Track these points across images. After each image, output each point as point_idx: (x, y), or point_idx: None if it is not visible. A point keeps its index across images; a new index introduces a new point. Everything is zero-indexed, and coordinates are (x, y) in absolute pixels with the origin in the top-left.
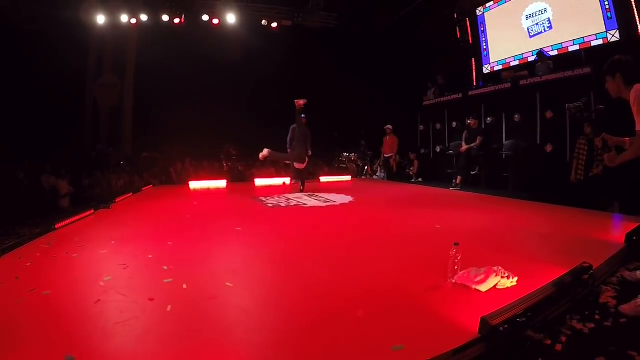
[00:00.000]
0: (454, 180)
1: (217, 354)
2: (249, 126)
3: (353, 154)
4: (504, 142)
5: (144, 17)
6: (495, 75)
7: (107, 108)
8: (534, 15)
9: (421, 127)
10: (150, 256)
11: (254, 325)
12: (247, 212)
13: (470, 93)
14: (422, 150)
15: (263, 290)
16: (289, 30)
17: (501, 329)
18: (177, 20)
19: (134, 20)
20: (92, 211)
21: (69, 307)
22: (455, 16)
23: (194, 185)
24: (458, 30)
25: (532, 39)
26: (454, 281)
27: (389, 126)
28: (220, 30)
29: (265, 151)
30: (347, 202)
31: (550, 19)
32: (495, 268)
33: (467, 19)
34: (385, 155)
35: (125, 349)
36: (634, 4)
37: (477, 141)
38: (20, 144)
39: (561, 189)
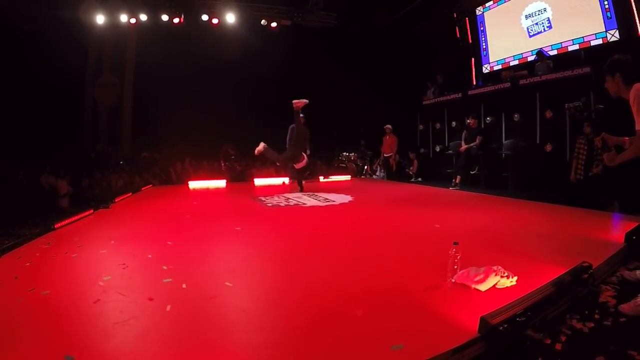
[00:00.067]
0: (453, 180)
1: (216, 354)
2: (249, 126)
3: (352, 154)
4: (504, 141)
5: (143, 17)
6: (494, 75)
7: (106, 108)
8: (534, 15)
9: (421, 127)
10: (149, 256)
11: (253, 325)
12: (247, 212)
13: (469, 92)
14: (422, 150)
15: (262, 290)
16: (289, 30)
17: (501, 328)
18: (176, 20)
19: (133, 20)
20: (92, 211)
21: (69, 307)
22: (455, 16)
23: (194, 185)
24: (457, 30)
25: (532, 38)
26: (453, 280)
27: (389, 126)
28: (219, 30)
29: (261, 145)
30: (346, 201)
31: (550, 18)
32: (495, 267)
33: (467, 18)
34: (385, 155)
35: (125, 348)
36: (633, 4)
37: (477, 141)
38: (20, 144)
39: (561, 188)
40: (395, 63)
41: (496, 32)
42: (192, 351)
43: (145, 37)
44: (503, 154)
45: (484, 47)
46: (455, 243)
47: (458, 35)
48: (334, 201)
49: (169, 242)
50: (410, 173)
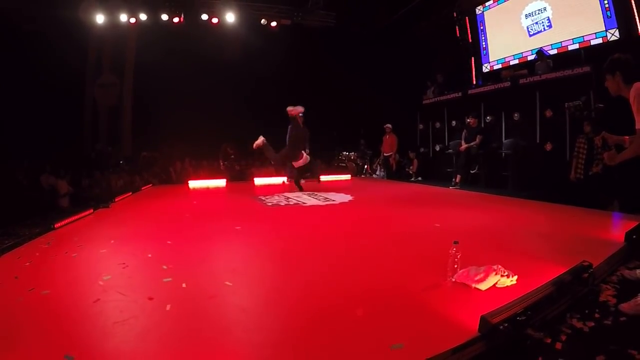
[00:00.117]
0: (453, 179)
1: (216, 354)
2: (249, 125)
3: (352, 153)
4: (504, 140)
5: (143, 17)
6: (494, 74)
7: (106, 108)
8: (534, 14)
9: (420, 126)
10: (149, 255)
11: (253, 324)
12: (247, 211)
13: (469, 92)
14: (422, 149)
15: (262, 290)
16: (288, 29)
17: (501, 327)
18: (176, 20)
19: (133, 20)
20: (92, 211)
21: (68, 307)
22: (455, 15)
23: (194, 184)
24: (457, 29)
25: (532, 37)
26: (453, 280)
27: (389, 125)
28: (219, 30)
29: (260, 140)
30: (346, 200)
31: (550, 17)
32: (495, 267)
33: (467, 17)
34: (385, 154)
35: (125, 348)
36: (633, 3)
37: (477, 140)
38: (20, 143)
39: (561, 187)
40: (395, 62)
41: (496, 32)
42: (192, 350)
43: (145, 36)
44: (503, 153)
45: (484, 46)
46: (455, 242)
47: (458, 35)
48: (334, 200)
49: (169, 242)
50: (410, 172)
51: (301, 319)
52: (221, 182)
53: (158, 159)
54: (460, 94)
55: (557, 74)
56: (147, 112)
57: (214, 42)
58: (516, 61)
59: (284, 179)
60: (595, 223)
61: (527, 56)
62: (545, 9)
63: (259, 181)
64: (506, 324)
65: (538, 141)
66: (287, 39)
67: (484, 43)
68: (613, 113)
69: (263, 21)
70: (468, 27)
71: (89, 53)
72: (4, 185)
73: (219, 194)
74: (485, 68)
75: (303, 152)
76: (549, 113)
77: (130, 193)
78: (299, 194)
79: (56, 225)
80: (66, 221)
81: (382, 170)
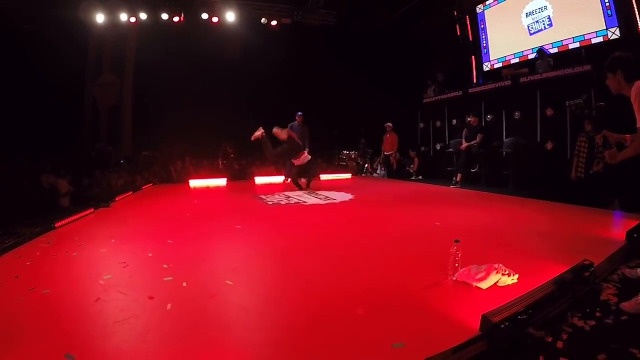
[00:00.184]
0: (454, 178)
1: (216, 353)
2: (249, 124)
3: (353, 152)
4: (504, 139)
5: (143, 16)
6: (495, 73)
7: (106, 107)
8: (534, 13)
9: (421, 125)
10: (150, 254)
11: (253, 323)
12: (247, 210)
13: (470, 90)
14: (422, 148)
15: (263, 289)
16: (289, 29)
17: (502, 326)
18: (176, 19)
19: (133, 19)
20: (92, 210)
21: (69, 306)
22: (455, 13)
23: (194, 183)
24: (458, 28)
25: (532, 36)
26: (454, 278)
27: (389, 124)
28: (219, 29)
29: (260, 132)
30: (347, 199)
31: (550, 16)
32: (496, 265)
33: (467, 16)
34: (385, 153)
35: (125, 347)
36: (634, 1)
37: (477, 139)
38: (20, 143)
39: (561, 186)
40: (396, 61)
41: (497, 30)
42: (193, 349)
43: (145, 36)
44: (504, 152)
45: (485, 44)
46: (456, 241)
47: (458, 33)
48: (334, 199)
49: (170, 241)
50: (411, 171)
51: (302, 318)
52: (222, 181)
53: (158, 158)
54: (460, 92)
55: (557, 72)
56: (147, 112)
57: (214, 42)
58: (517, 60)
59: (283, 177)
60: (596, 222)
61: (527, 55)
62: (545, 7)
63: (259, 180)
64: (507, 323)
65: (539, 140)
66: (287, 38)
67: (484, 42)
68: (614, 111)
69: (263, 20)
70: (468, 25)
71: (89, 53)
72: (4, 185)
73: (220, 193)
74: (486, 67)
75: (303, 151)
76: (549, 112)
77: (131, 192)
78: (300, 192)
79: (57, 225)
80: (66, 220)
81: (383, 169)
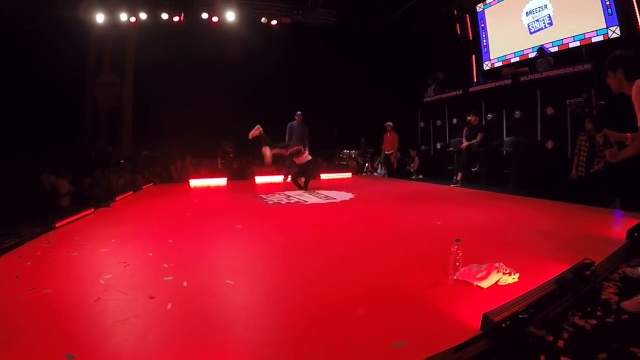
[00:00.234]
0: (454, 177)
1: (217, 352)
2: (249, 124)
3: (353, 151)
4: (505, 138)
5: (143, 16)
6: (495, 72)
7: (106, 107)
8: (534, 12)
9: (421, 124)
10: (150, 254)
11: (254, 323)
12: (248, 210)
13: (470, 89)
14: (423, 147)
15: (263, 288)
16: (289, 28)
17: (503, 325)
18: (176, 19)
19: (133, 19)
20: (92, 210)
21: (70, 306)
22: (455, 12)
23: (195, 183)
24: (458, 27)
25: (533, 35)
26: (455, 278)
27: (389, 123)
28: (219, 28)
29: (258, 130)
30: (347, 199)
31: (551, 15)
32: (497, 264)
33: (467, 15)
34: (386, 152)
35: (126, 347)
36: (634, 0)
37: (478, 138)
38: (20, 143)
39: (562, 185)
40: (396, 60)
41: (497, 29)
42: (193, 349)
43: (145, 35)
44: (504, 151)
45: (485, 43)
46: (457, 240)
47: (458, 32)
48: (335, 199)
49: (170, 241)
50: (411, 170)
51: (302, 318)
52: (222, 181)
53: (159, 158)
54: (461, 91)
55: (558, 71)
56: (147, 111)
57: (214, 41)
58: (517, 59)
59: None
60: (596, 221)
61: (528, 54)
62: (546, 6)
63: (259, 179)
64: (508, 322)
65: (539, 139)
66: (288, 37)
67: (484, 41)
68: (615, 110)
69: (263, 19)
70: (469, 24)
71: (89, 52)
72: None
73: (220, 193)
74: (486, 66)
75: (304, 150)
76: (550, 111)
77: (131, 192)
78: (300, 192)
79: (57, 225)
80: (67, 220)
81: (383, 168)
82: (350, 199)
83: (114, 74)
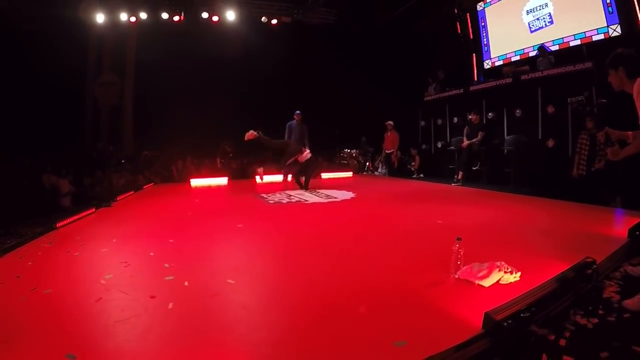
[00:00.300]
0: (455, 176)
1: (218, 352)
2: (249, 123)
3: (354, 150)
4: (506, 137)
5: (143, 15)
6: (496, 71)
7: (107, 107)
8: (535, 10)
9: (422, 123)
10: (151, 254)
11: (255, 322)
12: (249, 209)
13: (471, 88)
14: (423, 146)
15: (265, 288)
16: (289, 27)
17: (505, 324)
18: (176, 18)
19: (133, 19)
20: (93, 210)
21: (71, 306)
22: (456, 11)
23: (195, 182)
24: (458, 26)
25: (533, 33)
26: (456, 276)
27: (390, 122)
28: (219, 28)
29: (253, 135)
30: (348, 198)
31: (551, 13)
32: (498, 263)
33: (468, 14)
34: (387, 151)
35: (127, 347)
36: None
37: (479, 136)
38: (21, 143)
39: (563, 184)
40: (396, 59)
41: (497, 28)
42: (194, 349)
43: (145, 35)
44: (505, 150)
45: (485, 42)
46: (458, 239)
47: (459, 31)
48: (335, 198)
49: (171, 240)
50: (412, 169)
51: (303, 317)
52: (223, 180)
53: (159, 158)
54: (461, 90)
55: (558, 70)
56: (148, 111)
57: (214, 41)
58: (517, 57)
59: (287, 176)
60: (598, 219)
61: (528, 52)
62: (546, 4)
63: (259, 180)
64: (510, 321)
65: (540, 137)
66: (288, 36)
67: (485, 39)
68: (616, 108)
69: (263, 19)
70: (469, 23)
71: (89, 52)
72: (6, 185)
73: (221, 192)
74: (487, 64)
75: (304, 148)
76: (550, 109)
77: (132, 192)
78: (301, 191)
79: (58, 225)
80: (68, 220)
81: (384, 167)
82: (351, 198)
83: (115, 73)
